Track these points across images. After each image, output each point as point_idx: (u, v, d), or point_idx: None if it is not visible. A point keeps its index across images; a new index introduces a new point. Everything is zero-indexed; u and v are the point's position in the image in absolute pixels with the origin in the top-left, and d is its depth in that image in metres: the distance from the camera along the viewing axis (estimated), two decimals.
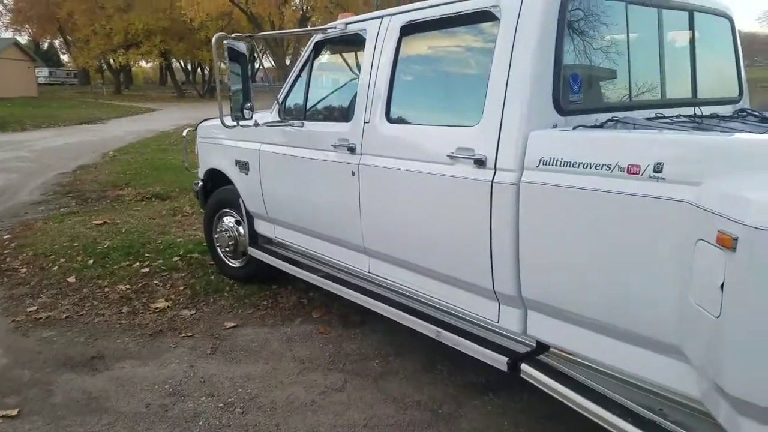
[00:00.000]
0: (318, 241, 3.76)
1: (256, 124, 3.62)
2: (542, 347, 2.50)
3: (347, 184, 3.26)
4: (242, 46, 3.40)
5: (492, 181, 2.44)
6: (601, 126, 2.43)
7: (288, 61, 37.08)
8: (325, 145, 3.44)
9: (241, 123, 3.50)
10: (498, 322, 2.63)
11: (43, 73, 56.07)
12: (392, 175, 2.96)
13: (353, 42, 3.43)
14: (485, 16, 2.61)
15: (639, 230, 1.98)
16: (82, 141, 17.11)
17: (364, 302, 3.30)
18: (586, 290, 2.18)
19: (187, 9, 31.30)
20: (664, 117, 2.65)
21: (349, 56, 3.66)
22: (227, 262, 4.87)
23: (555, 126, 2.39)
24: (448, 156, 2.63)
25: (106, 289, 4.80)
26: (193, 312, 4.35)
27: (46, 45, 69.77)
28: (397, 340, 3.67)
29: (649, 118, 2.55)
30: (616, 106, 2.69)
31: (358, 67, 3.33)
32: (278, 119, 3.83)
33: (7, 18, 51.65)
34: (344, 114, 3.44)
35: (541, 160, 2.26)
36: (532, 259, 2.35)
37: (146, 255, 5.62)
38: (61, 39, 56.42)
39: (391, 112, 3.06)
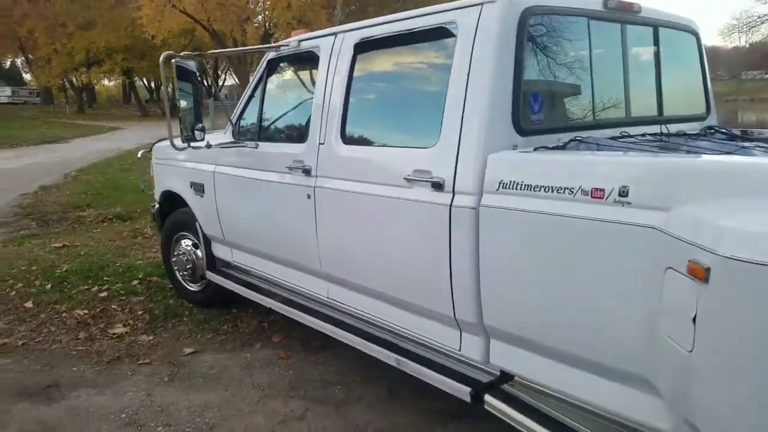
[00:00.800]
0: (276, 265, 3.65)
1: (208, 146, 3.51)
2: (506, 376, 2.41)
3: (303, 207, 3.16)
4: (192, 65, 3.29)
5: (450, 205, 2.36)
6: (563, 147, 2.37)
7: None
8: (279, 166, 3.34)
9: (192, 144, 3.38)
10: (460, 350, 2.54)
11: (5, 92, 54.85)
12: (348, 198, 2.87)
13: (307, 60, 3.35)
14: (441, 32, 2.55)
15: (604, 257, 1.90)
16: (44, 161, 16.65)
17: (323, 329, 3.20)
18: (549, 319, 2.11)
19: (149, 26, 30.80)
20: (629, 136, 2.61)
21: (304, 74, 3.58)
22: (186, 285, 4.72)
23: (515, 147, 2.33)
24: (405, 179, 2.55)
25: (64, 315, 4.62)
26: (152, 338, 4.19)
27: (8, 64, 68.34)
28: (360, 365, 3.56)
29: (613, 138, 2.51)
30: (579, 125, 2.65)
31: (313, 86, 3.24)
32: (232, 140, 3.72)
33: None
34: (299, 134, 3.35)
35: (500, 183, 2.19)
36: (493, 285, 2.28)
37: (105, 278, 5.44)
38: (23, 57, 55.26)
39: (346, 132, 2.98)
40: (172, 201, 4.77)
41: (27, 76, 65.05)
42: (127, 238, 7.06)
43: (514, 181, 2.15)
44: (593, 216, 1.91)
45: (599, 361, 1.99)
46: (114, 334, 4.26)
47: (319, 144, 3.08)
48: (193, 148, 3.41)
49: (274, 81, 3.66)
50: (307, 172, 3.14)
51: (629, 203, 1.84)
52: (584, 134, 2.49)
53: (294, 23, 37.06)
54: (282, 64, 3.63)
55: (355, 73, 2.97)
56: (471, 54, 2.38)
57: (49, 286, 5.27)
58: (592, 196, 1.93)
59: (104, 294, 5.03)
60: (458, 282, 2.39)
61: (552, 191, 2.03)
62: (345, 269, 3.04)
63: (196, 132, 3.35)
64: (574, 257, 1.99)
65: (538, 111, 2.47)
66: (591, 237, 1.93)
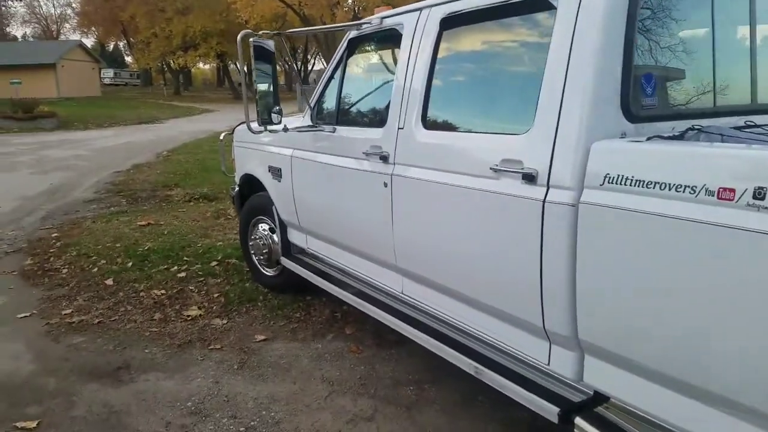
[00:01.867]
0: (350, 255, 3.49)
1: (285, 129, 3.37)
2: (601, 398, 2.12)
3: (379, 196, 2.97)
4: (270, 45, 3.15)
5: (544, 201, 2.08)
6: (680, 136, 2.03)
7: None
8: (356, 152, 3.16)
9: (269, 128, 3.25)
10: (548, 364, 2.27)
11: (108, 74, 58.14)
12: (428, 188, 2.64)
13: (389, 38, 3.14)
14: (538, 4, 2.24)
15: (731, 271, 1.59)
16: (140, 140, 17.49)
17: (396, 326, 3.00)
18: (657, 338, 1.80)
19: (242, 11, 31.63)
20: (756, 126, 2.22)
21: (385, 54, 3.37)
22: (262, 270, 4.66)
23: (623, 135, 2.02)
24: (491, 169, 2.29)
25: (142, 294, 4.70)
26: (225, 321, 4.17)
27: (111, 47, 72.44)
28: (434, 365, 3.34)
29: (738, 127, 2.14)
30: (697, 112, 2.28)
31: (394, 67, 3.02)
32: (309, 124, 3.57)
33: (75, 21, 53.85)
34: (378, 119, 3.15)
35: (606, 177, 1.89)
36: (591, 295, 1.98)
37: (185, 258, 5.50)
38: (125, 41, 58.39)
39: (427, 116, 2.74)
40: (251, 184, 4.72)
41: (128, 59, 68.81)
42: (210, 219, 7.16)
43: (623, 176, 1.84)
44: (720, 221, 1.59)
45: (719, 392, 1.68)
46: (188, 316, 4.26)
47: (399, 129, 2.87)
48: (270, 131, 3.28)
49: (354, 62, 3.47)
50: (384, 158, 2.94)
51: (766, 207, 1.51)
52: (703, 123, 2.13)
53: (383, 8, 36.94)
54: (363, 44, 3.43)
55: (440, 52, 2.72)
56: (574, 26, 2.07)
57: (130, 264, 5.39)
58: (718, 197, 1.60)
59: (183, 274, 5.08)
60: (549, 289, 2.11)
61: (668, 189, 1.72)
62: (421, 265, 2.82)
63: (273, 115, 3.22)
64: (693, 268, 1.68)
65: (651, 94, 2.13)
66: (715, 246, 1.61)
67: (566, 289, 2.04)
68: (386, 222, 2.95)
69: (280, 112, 3.27)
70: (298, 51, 57.72)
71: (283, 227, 4.23)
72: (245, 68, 3.17)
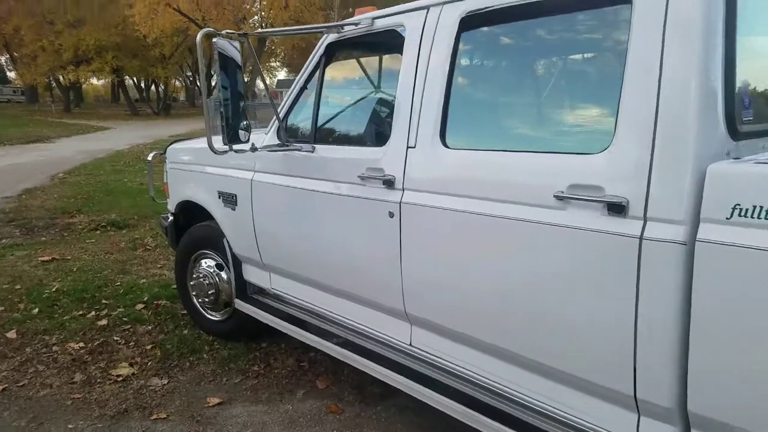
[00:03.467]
0: (333, 298, 2.92)
1: (254, 149, 2.77)
2: None
3: (382, 228, 2.45)
4: (236, 48, 2.56)
5: (641, 237, 1.65)
6: None
7: None
8: (347, 175, 2.63)
9: (235, 147, 2.65)
10: None
11: None
12: (457, 219, 2.15)
13: (385, 42, 2.65)
14: None
15: None
16: (30, 161, 15.74)
17: (405, 386, 2.46)
18: None
19: (141, 25, 29.92)
20: None
21: (377, 61, 2.85)
22: (205, 314, 3.96)
23: (728, 154, 1.63)
24: (556, 197, 1.84)
25: (55, 349, 3.84)
26: (166, 381, 3.43)
27: None
28: (431, 422, 2.84)
29: None
30: None
31: (394, 76, 2.52)
32: (278, 142, 2.98)
33: None
34: (375, 136, 2.65)
35: (736, 208, 1.48)
36: (712, 359, 1.56)
37: (103, 302, 4.65)
38: (7, 55, 53.82)
39: (447, 133, 2.26)
40: (190, 213, 4.04)
41: (11, 74, 63.53)
42: (126, 251, 6.27)
43: (760, 207, 1.44)
44: None
45: None
46: (118, 376, 3.49)
47: (408, 148, 2.36)
48: (236, 151, 2.67)
49: (335, 69, 2.93)
50: (389, 183, 2.42)
51: None
52: None
53: (291, 23, 36.46)
54: (347, 49, 2.89)
55: (461, 56, 2.26)
56: (663, 24, 1.67)
57: (36, 310, 4.48)
58: None
59: (103, 322, 4.25)
60: (647, 349, 1.67)
61: None
62: (444, 312, 2.31)
63: (240, 132, 2.63)
64: None
65: (748, 106, 1.77)
66: None
67: (673, 349, 1.62)
68: (391, 259, 2.43)
69: (248, 129, 2.68)
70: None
71: (237, 264, 3.58)
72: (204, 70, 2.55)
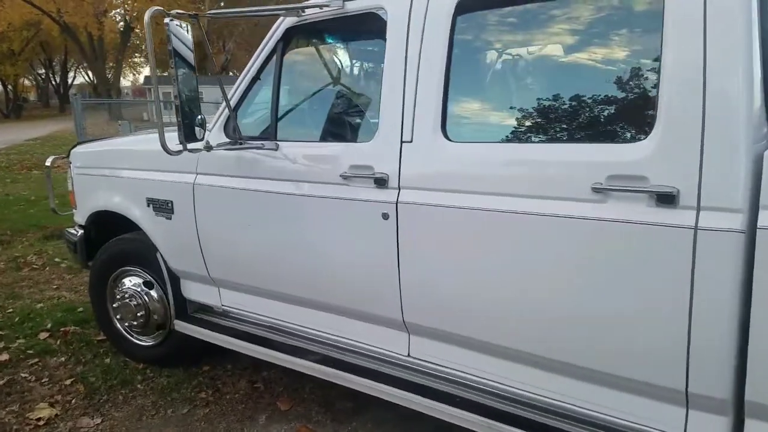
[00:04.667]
0: (308, 312, 2.63)
1: (209, 148, 2.41)
2: None
3: (374, 231, 2.21)
4: (187, 31, 2.21)
5: (696, 228, 1.57)
6: None
7: None
8: (324, 175, 2.36)
9: (190, 146, 2.29)
10: None
11: None
12: (469, 219, 1.97)
13: (359, 27, 2.40)
14: None
15: None
16: None
17: (412, 402, 2.24)
18: None
19: None
20: None
21: (352, 47, 2.59)
22: (133, 339, 3.47)
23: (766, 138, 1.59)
24: (594, 189, 1.71)
25: None
26: (99, 420, 2.96)
27: None
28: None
29: None
30: None
31: (373, 63, 2.30)
32: (228, 140, 2.63)
33: None
34: (354, 130, 2.39)
35: None
36: None
37: None
38: None
39: (449, 125, 2.07)
40: (104, 225, 3.53)
41: None
42: (9, 272, 5.45)
43: None
44: None
45: None
46: (38, 419, 2.96)
47: (403, 143, 2.14)
48: (191, 151, 2.30)
49: (297, 57, 2.63)
50: (380, 182, 2.19)
51: None
52: None
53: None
54: (312, 34, 2.58)
55: (459, 40, 2.06)
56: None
57: None
58: None
59: (4, 357, 3.61)
60: (701, 341, 1.60)
61: None
62: (452, 319, 2.12)
63: (195, 128, 2.27)
64: None
65: None
66: None
67: (732, 339, 1.56)
68: (386, 265, 2.21)
69: (203, 125, 2.33)
70: (54, 63, 51.16)
71: (175, 280, 3.16)
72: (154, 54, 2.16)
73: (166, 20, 2.10)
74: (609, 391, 1.86)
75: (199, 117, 2.30)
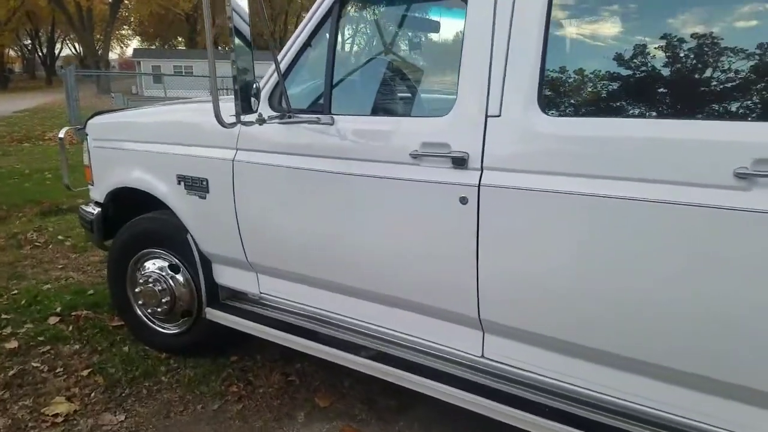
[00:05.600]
0: (364, 304, 2.40)
1: (261, 121, 2.16)
2: None
3: (449, 217, 1.98)
4: None
5: None
6: None
7: None
8: (390, 153, 2.12)
9: (245, 119, 2.04)
10: None
11: None
12: (572, 206, 1.74)
13: None
14: None
15: None
16: None
17: (487, 409, 2.02)
18: None
19: None
20: None
21: (418, 9, 2.32)
22: (155, 327, 3.23)
23: None
24: (736, 175, 1.49)
25: None
26: (123, 417, 2.73)
27: None
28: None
29: None
30: None
31: (444, 26, 2.04)
32: (274, 113, 2.37)
33: None
34: (426, 103, 2.14)
35: None
36: None
37: (3, 317, 3.70)
38: None
39: (544, 96, 1.83)
40: (120, 203, 3.28)
41: None
42: (10, 250, 5.16)
43: None
44: None
45: None
46: (56, 415, 2.72)
47: (488, 117, 1.90)
48: (244, 124, 2.05)
49: (355, 20, 2.37)
50: (459, 162, 1.95)
51: None
52: None
53: None
54: None
55: (556, 12, 1.82)
56: None
57: None
58: None
59: (13, 344, 3.35)
60: None
61: None
62: (542, 318, 1.90)
63: (252, 99, 2.03)
64: None
65: None
66: None
67: None
68: (463, 255, 1.98)
69: (258, 95, 2.08)
70: (40, 33, 49.97)
71: (206, 264, 2.92)
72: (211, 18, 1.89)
73: None
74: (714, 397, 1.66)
75: (256, 86, 2.05)
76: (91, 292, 4.08)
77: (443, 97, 2.09)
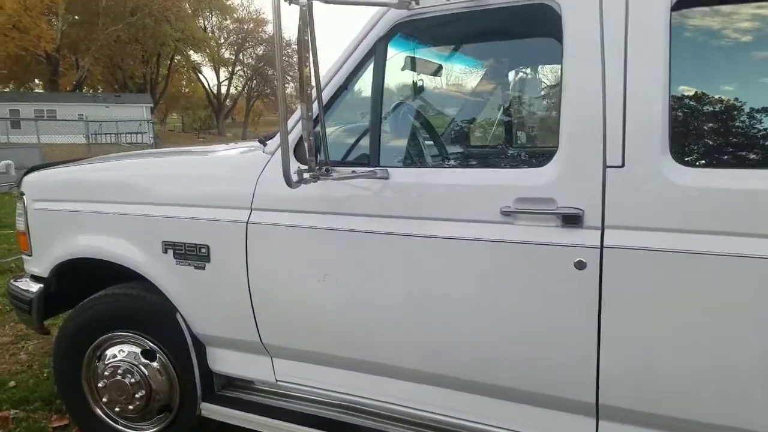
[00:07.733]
0: (429, 389, 2.00)
1: (324, 175, 1.77)
2: None
3: (561, 287, 1.69)
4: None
5: None
6: None
7: None
8: (471, 211, 1.80)
9: (307, 175, 1.64)
10: None
11: None
12: (727, 270, 1.50)
13: (509, 22, 1.87)
14: None
15: None
16: None
17: None
18: None
19: None
20: None
21: (491, 46, 2.03)
22: (122, 428, 2.61)
23: None
24: None
25: None
26: None
27: None
28: None
29: None
30: None
31: (528, 65, 1.78)
32: (313, 167, 1.95)
33: None
34: (517, 151, 1.84)
35: None
36: None
37: None
38: None
39: (672, 144, 1.60)
40: (73, 276, 2.68)
41: None
42: None
43: None
44: None
45: None
46: None
47: (606, 167, 1.64)
48: (305, 181, 1.65)
49: (410, 61, 2.03)
50: (571, 219, 1.67)
51: None
52: None
53: (8, 28, 32.42)
54: (434, 30, 1.98)
55: (684, 33, 1.62)
56: None
57: None
58: None
59: None
60: None
61: None
62: (680, 405, 1.62)
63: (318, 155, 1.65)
64: None
65: None
66: None
67: None
68: (579, 333, 1.68)
69: (325, 151, 1.70)
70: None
71: (199, 348, 2.39)
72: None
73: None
74: None
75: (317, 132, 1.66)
76: (12, 384, 3.31)
77: (540, 144, 1.80)
